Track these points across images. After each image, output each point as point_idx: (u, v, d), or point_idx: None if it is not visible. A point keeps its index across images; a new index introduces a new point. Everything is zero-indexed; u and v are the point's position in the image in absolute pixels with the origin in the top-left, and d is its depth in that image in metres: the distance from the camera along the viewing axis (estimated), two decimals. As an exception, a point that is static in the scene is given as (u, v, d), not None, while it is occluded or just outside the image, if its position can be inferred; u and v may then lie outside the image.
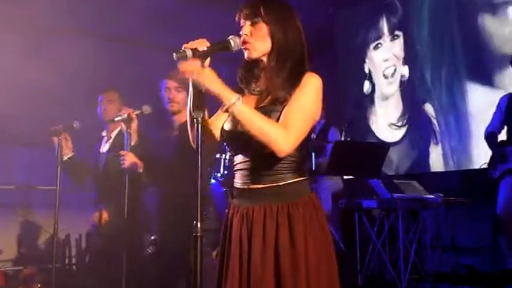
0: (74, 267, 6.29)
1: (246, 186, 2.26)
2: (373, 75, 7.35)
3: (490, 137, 5.07)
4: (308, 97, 2.21)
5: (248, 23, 2.29)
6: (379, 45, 7.27)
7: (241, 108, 2.11)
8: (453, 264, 5.12)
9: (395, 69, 7.06)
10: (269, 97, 2.26)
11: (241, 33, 2.28)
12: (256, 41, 2.27)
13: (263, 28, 2.27)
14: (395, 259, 5.10)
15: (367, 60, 7.43)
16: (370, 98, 7.37)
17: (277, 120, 2.18)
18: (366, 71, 7.43)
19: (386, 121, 7.14)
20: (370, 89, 7.37)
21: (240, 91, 2.34)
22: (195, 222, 2.01)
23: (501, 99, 5.08)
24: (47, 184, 5.20)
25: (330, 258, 2.24)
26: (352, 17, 7.64)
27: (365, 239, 5.39)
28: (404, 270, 4.89)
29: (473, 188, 5.02)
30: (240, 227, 2.26)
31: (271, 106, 2.22)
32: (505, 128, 5.04)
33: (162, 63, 3.45)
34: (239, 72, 2.38)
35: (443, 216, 5.42)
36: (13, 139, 5.78)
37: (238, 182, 2.31)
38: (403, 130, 6.93)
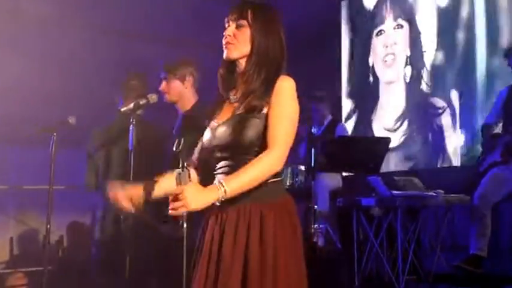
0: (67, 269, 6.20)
1: None
2: (375, 67, 7.38)
3: (484, 129, 5.13)
4: (286, 105, 2.30)
5: (233, 25, 2.37)
6: (382, 32, 7.27)
7: (231, 189, 2.18)
8: (453, 264, 5.05)
9: (394, 58, 7.06)
10: (244, 103, 2.34)
11: (224, 33, 2.38)
12: (239, 43, 2.35)
13: (246, 32, 2.36)
14: (394, 259, 5.02)
15: (371, 53, 7.43)
16: (375, 94, 7.36)
17: (258, 130, 2.27)
18: (370, 64, 7.43)
19: (384, 122, 7.14)
20: (374, 84, 7.39)
21: (221, 97, 2.48)
22: (181, 222, 2.14)
23: (500, 91, 5.09)
24: (40, 184, 5.13)
25: (300, 263, 2.31)
26: (357, 8, 7.64)
27: (363, 238, 5.33)
28: (402, 270, 4.80)
29: (475, 184, 4.97)
30: (213, 225, 2.34)
31: (247, 114, 2.31)
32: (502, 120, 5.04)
33: (163, 55, 3.43)
34: (219, 77, 2.47)
35: (443, 215, 5.36)
36: (5, 138, 5.73)
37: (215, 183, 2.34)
38: (403, 132, 6.92)
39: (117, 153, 4.03)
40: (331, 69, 7.62)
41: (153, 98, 3.67)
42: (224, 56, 2.38)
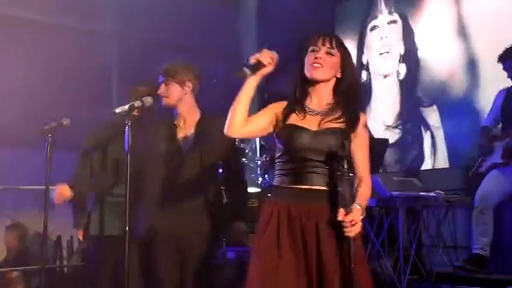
0: (65, 269, 6.23)
1: (297, 186, 2.62)
2: (370, 62, 7.35)
3: (483, 131, 5.08)
4: (367, 141, 2.76)
5: (323, 50, 2.65)
6: (376, 27, 7.23)
7: (362, 208, 2.56)
8: (455, 264, 5.01)
9: (389, 51, 7.05)
10: (338, 119, 2.65)
11: (317, 55, 2.63)
12: (327, 67, 2.64)
13: (336, 60, 2.67)
14: (395, 259, 4.99)
15: (365, 50, 7.38)
16: (368, 92, 7.33)
17: (347, 148, 2.60)
18: (364, 61, 7.39)
19: (381, 121, 7.10)
20: (368, 81, 7.34)
21: (290, 107, 2.72)
22: None
23: (497, 94, 5.03)
24: (36, 184, 5.11)
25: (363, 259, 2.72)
26: (350, 9, 7.59)
27: (364, 238, 5.28)
28: (404, 270, 4.77)
29: (475, 186, 4.92)
30: (287, 221, 2.58)
31: (344, 132, 2.63)
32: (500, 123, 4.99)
33: (160, 60, 3.40)
34: (296, 90, 2.72)
35: (444, 215, 5.32)
36: (1, 139, 5.71)
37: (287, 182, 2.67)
38: (398, 130, 6.89)
39: (111, 154, 3.97)
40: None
41: (148, 100, 3.58)
42: (309, 75, 2.66)
